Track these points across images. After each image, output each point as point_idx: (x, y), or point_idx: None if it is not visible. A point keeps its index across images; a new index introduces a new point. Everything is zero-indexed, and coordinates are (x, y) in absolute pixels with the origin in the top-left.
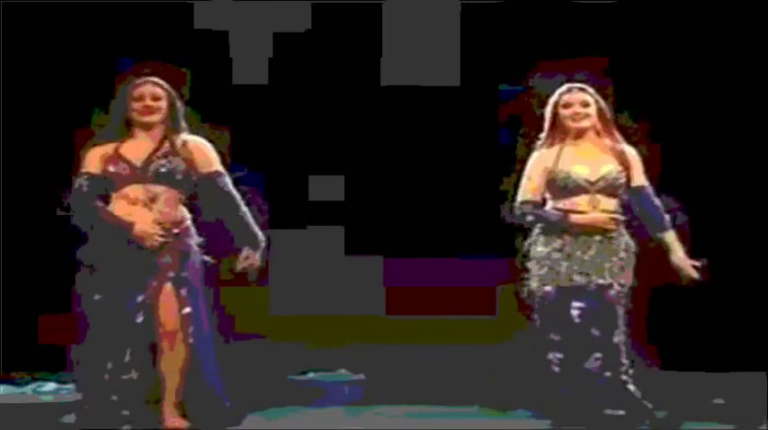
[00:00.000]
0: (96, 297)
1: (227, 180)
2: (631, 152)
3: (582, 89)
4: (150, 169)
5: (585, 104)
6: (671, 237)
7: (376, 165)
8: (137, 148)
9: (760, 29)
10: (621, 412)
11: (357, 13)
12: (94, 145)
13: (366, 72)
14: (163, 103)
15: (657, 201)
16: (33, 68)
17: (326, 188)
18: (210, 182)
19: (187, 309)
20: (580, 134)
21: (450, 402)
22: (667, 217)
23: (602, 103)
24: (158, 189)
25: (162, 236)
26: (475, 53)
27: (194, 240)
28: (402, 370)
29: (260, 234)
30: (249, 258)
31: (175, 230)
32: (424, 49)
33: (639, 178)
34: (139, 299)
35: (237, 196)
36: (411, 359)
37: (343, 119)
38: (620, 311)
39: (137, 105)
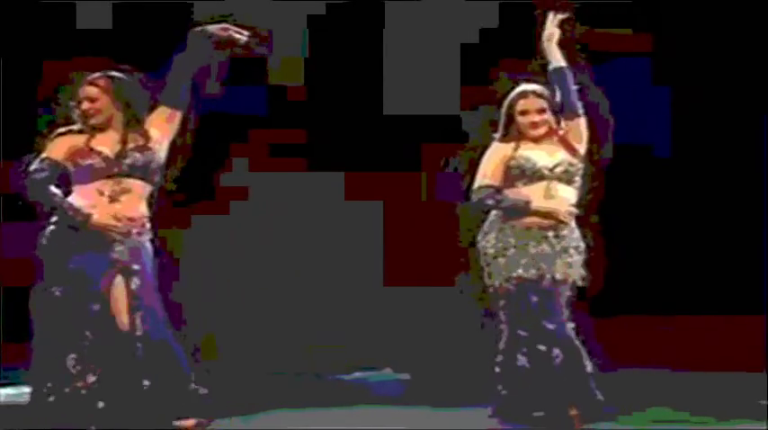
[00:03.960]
0: (55, 291)
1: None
2: (570, 130)
3: (538, 94)
4: (125, 162)
5: (542, 111)
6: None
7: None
8: (108, 141)
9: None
10: (574, 411)
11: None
12: (62, 133)
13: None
14: (101, 103)
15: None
16: (30, 67)
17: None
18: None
19: (136, 301)
20: (537, 139)
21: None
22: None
23: (553, 100)
24: (131, 182)
25: (118, 230)
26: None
27: (148, 236)
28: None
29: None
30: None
31: (132, 226)
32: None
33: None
34: (93, 289)
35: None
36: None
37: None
38: (567, 305)
39: (78, 109)
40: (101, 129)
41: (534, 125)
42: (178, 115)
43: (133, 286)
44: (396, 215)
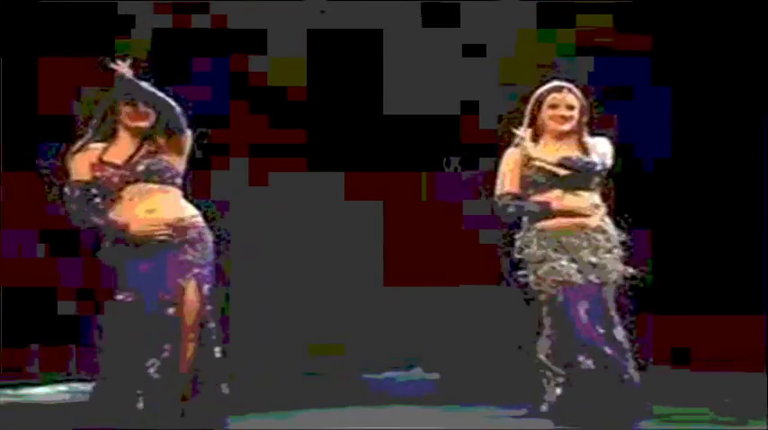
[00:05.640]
0: (120, 297)
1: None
2: (595, 142)
3: (570, 90)
4: (137, 170)
5: (571, 107)
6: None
7: None
8: (119, 152)
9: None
10: (618, 408)
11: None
12: (76, 152)
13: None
14: (152, 109)
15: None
16: (30, 65)
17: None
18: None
19: (209, 307)
20: (560, 135)
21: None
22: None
23: (585, 103)
24: (152, 187)
25: (162, 232)
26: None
27: (210, 236)
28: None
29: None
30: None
31: (184, 225)
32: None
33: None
34: (167, 297)
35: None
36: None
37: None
38: (616, 307)
39: (128, 109)
40: (116, 136)
41: (562, 119)
42: (185, 136)
43: (206, 291)
44: (396, 215)
